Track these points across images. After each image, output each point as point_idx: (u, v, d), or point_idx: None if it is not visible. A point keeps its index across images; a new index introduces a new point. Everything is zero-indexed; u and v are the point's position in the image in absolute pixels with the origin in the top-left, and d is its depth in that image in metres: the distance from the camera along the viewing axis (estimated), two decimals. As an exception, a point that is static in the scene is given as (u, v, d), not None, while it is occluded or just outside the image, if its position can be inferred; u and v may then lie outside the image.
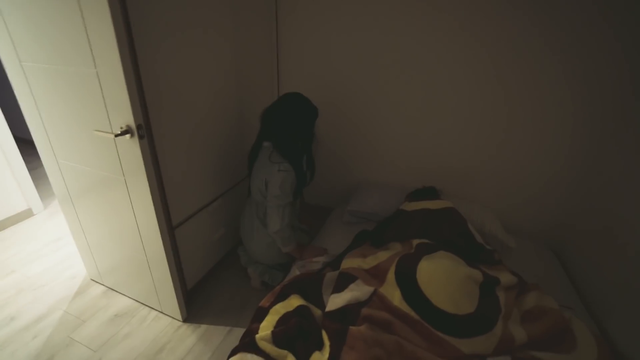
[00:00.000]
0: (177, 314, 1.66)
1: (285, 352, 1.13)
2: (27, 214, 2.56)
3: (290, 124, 1.51)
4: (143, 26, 1.24)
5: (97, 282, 1.90)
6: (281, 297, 1.37)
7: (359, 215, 1.91)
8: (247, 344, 1.16)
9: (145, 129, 1.31)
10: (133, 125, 1.24)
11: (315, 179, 2.00)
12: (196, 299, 1.80)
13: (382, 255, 1.51)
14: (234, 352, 1.15)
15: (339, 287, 1.39)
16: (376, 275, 1.44)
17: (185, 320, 1.68)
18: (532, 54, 1.60)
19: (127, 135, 1.26)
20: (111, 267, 1.78)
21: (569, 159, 1.73)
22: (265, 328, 1.22)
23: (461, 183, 1.98)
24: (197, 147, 1.66)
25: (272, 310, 1.30)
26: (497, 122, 1.79)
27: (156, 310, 1.73)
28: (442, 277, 1.30)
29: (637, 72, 1.46)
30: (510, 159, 1.83)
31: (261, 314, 1.31)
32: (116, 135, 1.24)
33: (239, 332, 1.60)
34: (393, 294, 1.31)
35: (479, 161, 1.90)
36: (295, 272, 1.56)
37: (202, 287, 1.89)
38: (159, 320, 1.68)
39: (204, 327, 1.64)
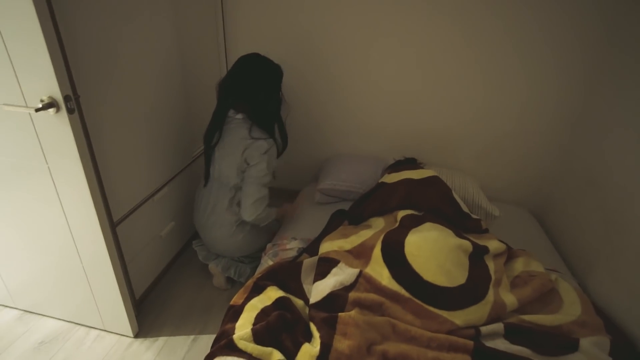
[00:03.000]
0: (126, 329, 1.50)
1: (269, 349, 1.08)
2: None
3: (262, 90, 1.46)
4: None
5: (6, 306, 1.63)
6: (256, 290, 1.31)
7: (333, 193, 1.89)
8: (224, 346, 1.10)
9: (74, 101, 1.11)
10: (59, 96, 1.06)
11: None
12: (148, 308, 1.65)
13: (365, 234, 1.51)
14: (209, 358, 1.07)
15: (321, 274, 1.37)
16: (360, 254, 1.45)
17: (137, 335, 1.53)
18: (512, 10, 1.69)
19: (51, 110, 1.07)
20: (27, 283, 1.54)
21: (549, 122, 1.87)
22: (243, 327, 1.16)
23: (440, 148, 2.07)
24: (136, 125, 1.49)
25: (247, 307, 1.24)
26: (475, 83, 1.87)
27: (97, 328, 1.54)
28: (431, 249, 1.34)
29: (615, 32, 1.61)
30: (489, 120, 1.94)
31: (235, 313, 1.24)
32: (37, 110, 1.04)
33: (207, 338, 1.50)
34: (381, 273, 1.33)
35: (458, 123, 1.99)
36: (267, 262, 1.50)
37: (154, 293, 1.73)
38: (102, 339, 1.49)
39: (162, 340, 1.51)
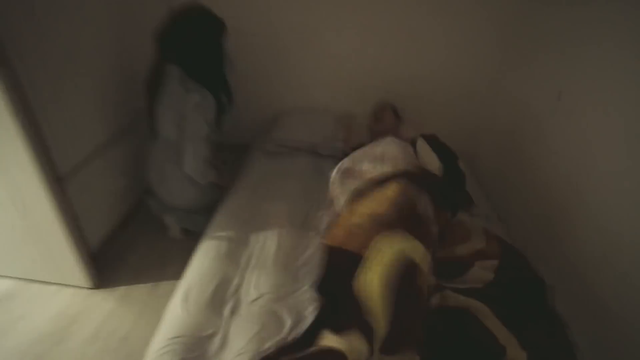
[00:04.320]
0: (83, 281, 1.49)
1: None
2: None
3: (198, 43, 1.40)
4: None
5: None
6: None
7: (287, 143, 1.90)
8: None
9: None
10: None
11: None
12: (106, 261, 1.63)
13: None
14: None
15: None
16: None
17: (97, 287, 1.52)
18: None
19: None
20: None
21: (476, 75, 2.03)
22: None
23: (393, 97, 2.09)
24: (75, 80, 1.41)
25: None
26: (418, 39, 1.99)
27: (53, 283, 1.52)
28: None
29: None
30: (430, 72, 2.06)
31: None
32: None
33: (165, 285, 1.52)
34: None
35: (407, 74, 2.08)
36: None
37: (111, 246, 1.71)
38: (59, 293, 1.48)
39: (121, 289, 1.53)
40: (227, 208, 1.57)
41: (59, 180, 1.34)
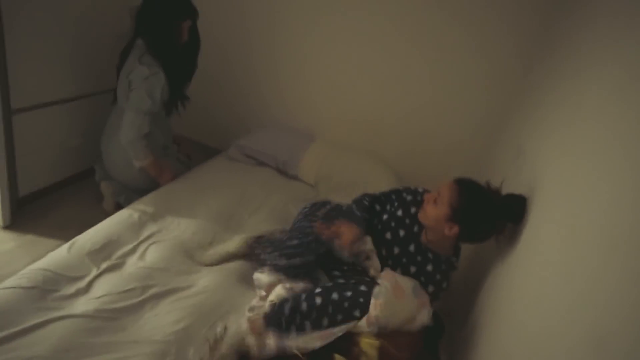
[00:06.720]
0: (-3, 217, 1.46)
1: None
2: None
3: (161, 20, 1.43)
4: None
5: None
6: None
7: (249, 152, 1.89)
8: None
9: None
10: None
11: (206, 114, 2.04)
12: (30, 209, 1.62)
13: None
14: None
15: None
16: None
17: (8, 227, 1.48)
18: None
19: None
20: None
21: (464, 133, 1.91)
22: None
23: (370, 136, 2.05)
24: (58, 29, 1.54)
25: None
26: (412, 82, 1.90)
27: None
28: None
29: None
30: (419, 122, 1.95)
31: None
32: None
33: (73, 247, 1.46)
34: None
35: (390, 117, 2.00)
36: None
37: (43, 197, 1.71)
38: (-31, 222, 1.45)
39: (29, 237, 1.49)
40: (162, 190, 1.58)
41: (10, 112, 1.39)
